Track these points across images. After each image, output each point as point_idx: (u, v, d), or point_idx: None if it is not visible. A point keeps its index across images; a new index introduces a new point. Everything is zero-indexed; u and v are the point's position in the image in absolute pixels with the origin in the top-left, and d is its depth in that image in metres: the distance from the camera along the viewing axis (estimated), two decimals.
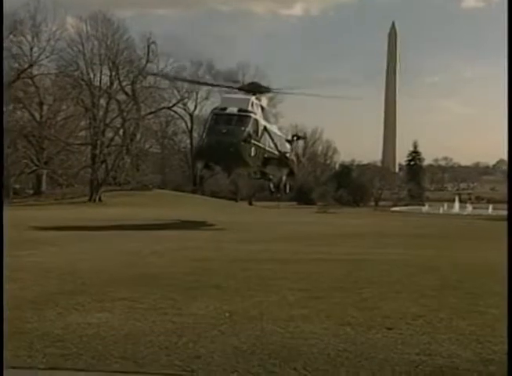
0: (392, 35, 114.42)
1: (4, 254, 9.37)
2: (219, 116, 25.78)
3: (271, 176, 29.17)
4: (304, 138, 43.56)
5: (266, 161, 27.32)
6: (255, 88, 29.04)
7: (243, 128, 25.06)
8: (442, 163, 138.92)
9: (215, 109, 27.28)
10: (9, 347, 5.74)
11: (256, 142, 25.86)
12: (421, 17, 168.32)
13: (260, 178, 31.00)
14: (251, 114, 25.86)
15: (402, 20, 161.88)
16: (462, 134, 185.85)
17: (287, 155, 29.09)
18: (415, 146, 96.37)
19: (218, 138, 24.42)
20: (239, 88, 30.30)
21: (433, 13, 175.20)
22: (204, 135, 26.42)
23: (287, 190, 28.55)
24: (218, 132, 24.68)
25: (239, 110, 25.50)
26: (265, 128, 27.06)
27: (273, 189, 28.80)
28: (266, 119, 28.32)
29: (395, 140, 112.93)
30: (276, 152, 28.00)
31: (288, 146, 32.29)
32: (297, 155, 35.52)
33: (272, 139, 27.63)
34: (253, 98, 26.98)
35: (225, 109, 25.84)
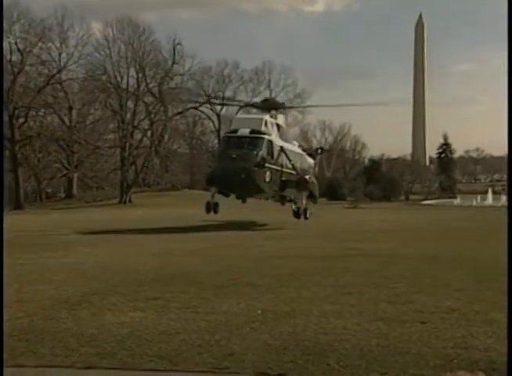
0: (419, 26, 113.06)
1: (4, 255, 9.44)
2: (230, 139, 24.27)
3: (292, 197, 26.78)
4: (329, 150, 40.59)
5: (284, 184, 25.35)
6: (270, 105, 27.37)
7: (255, 152, 23.39)
8: (474, 154, 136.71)
9: (227, 131, 25.79)
10: (46, 346, 5.85)
11: (271, 166, 24.10)
12: (447, 7, 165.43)
13: (279, 201, 27.54)
14: (265, 136, 24.14)
15: (427, 11, 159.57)
16: (493, 124, 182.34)
17: (307, 177, 26.60)
18: (445, 138, 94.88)
19: (229, 164, 22.85)
20: (253, 106, 28.88)
21: (458, 2, 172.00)
22: (216, 160, 24.74)
23: (307, 215, 25.29)
24: (229, 158, 23.11)
25: (252, 132, 23.83)
26: (282, 149, 25.18)
27: (297, 212, 25.71)
28: (283, 138, 26.41)
29: (425, 133, 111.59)
30: (295, 173, 25.97)
31: (311, 161, 30.35)
32: (321, 162, 32.48)
33: (290, 160, 25.65)
34: (267, 117, 25.30)
35: (236, 131, 24.28)
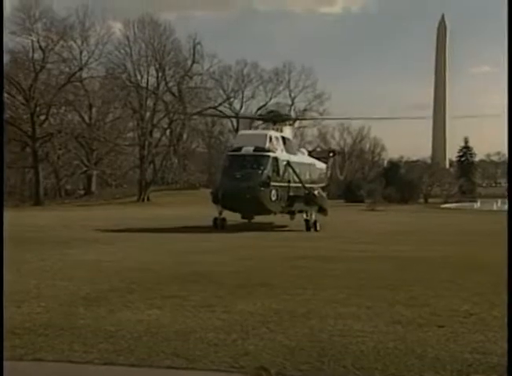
0: (441, 28, 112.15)
1: (4, 253, 9.52)
2: (234, 158, 23.87)
3: (301, 209, 25.30)
4: (341, 153, 39.34)
5: (292, 200, 24.62)
6: (275, 118, 27.00)
7: (260, 171, 22.98)
8: (495, 158, 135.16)
9: (230, 149, 25.65)
10: (65, 341, 5.91)
11: (277, 184, 23.58)
12: (468, 8, 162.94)
13: (288, 215, 25.82)
14: (269, 153, 23.63)
15: (448, 13, 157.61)
16: None
17: (315, 192, 25.58)
18: (466, 142, 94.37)
19: (233, 184, 22.50)
20: (258, 119, 28.41)
21: (479, 4, 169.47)
22: (220, 179, 24.45)
23: (317, 228, 23.66)
24: (233, 178, 22.78)
25: (256, 150, 23.45)
26: (288, 164, 24.50)
27: (308, 225, 24.01)
28: (290, 151, 25.73)
29: (445, 135, 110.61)
30: (302, 187, 24.98)
31: (323, 166, 29.89)
32: (334, 165, 31.76)
33: (297, 175, 24.83)
34: (271, 132, 24.92)
35: (240, 149, 23.90)
